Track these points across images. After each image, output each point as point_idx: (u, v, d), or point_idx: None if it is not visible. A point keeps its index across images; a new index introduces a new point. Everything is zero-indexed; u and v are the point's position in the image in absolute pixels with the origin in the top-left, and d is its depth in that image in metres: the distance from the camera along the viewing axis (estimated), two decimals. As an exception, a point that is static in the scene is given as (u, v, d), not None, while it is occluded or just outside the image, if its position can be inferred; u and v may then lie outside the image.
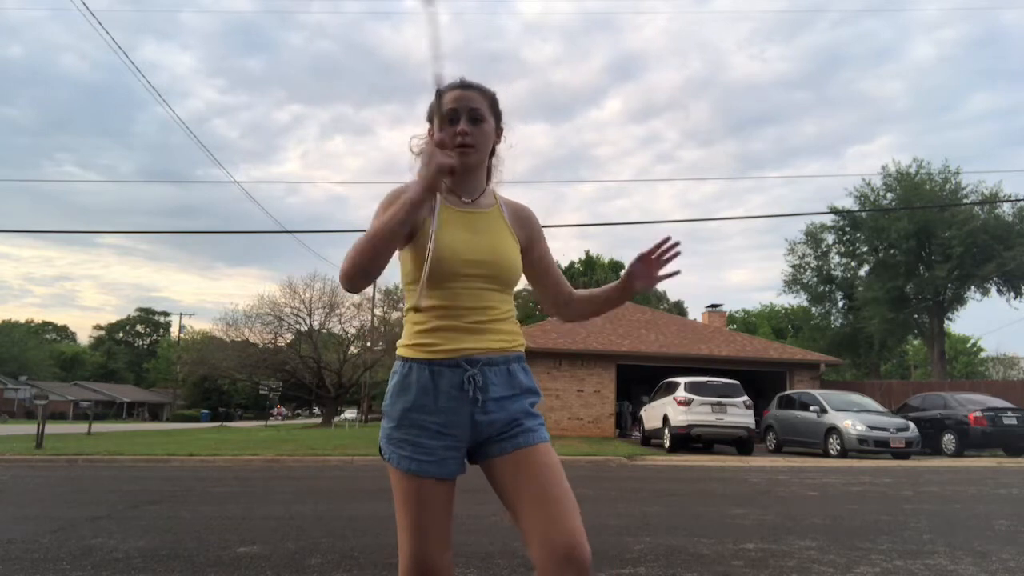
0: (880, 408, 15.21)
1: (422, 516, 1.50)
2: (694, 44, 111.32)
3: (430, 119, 1.59)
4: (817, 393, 16.06)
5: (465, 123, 1.54)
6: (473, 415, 1.51)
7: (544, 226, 1.75)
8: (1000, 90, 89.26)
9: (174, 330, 76.54)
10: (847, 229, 34.39)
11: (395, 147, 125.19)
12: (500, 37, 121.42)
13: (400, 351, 1.58)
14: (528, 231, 1.68)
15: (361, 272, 1.42)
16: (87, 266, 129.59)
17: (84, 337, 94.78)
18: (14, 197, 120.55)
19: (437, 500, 1.51)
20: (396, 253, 1.51)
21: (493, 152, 1.66)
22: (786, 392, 17.74)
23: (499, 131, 1.64)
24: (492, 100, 1.62)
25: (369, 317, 37.53)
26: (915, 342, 46.36)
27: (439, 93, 1.50)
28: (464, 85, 1.59)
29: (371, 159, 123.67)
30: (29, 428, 22.40)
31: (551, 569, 1.37)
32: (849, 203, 34.50)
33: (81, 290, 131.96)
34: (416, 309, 1.55)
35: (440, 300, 1.52)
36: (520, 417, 1.54)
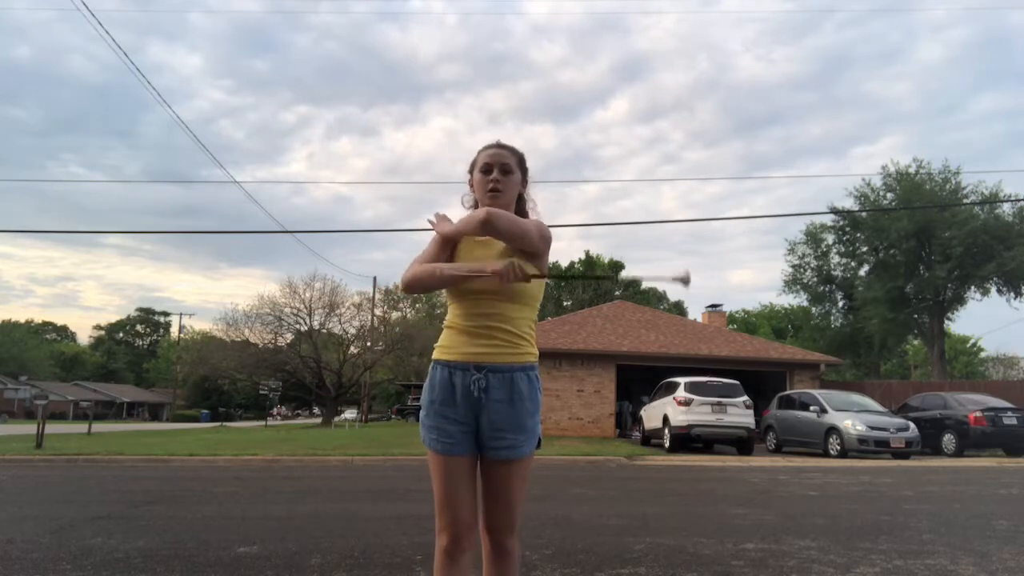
0: (880, 408, 15.20)
1: (450, 486, 1.90)
2: (701, 45, 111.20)
3: (471, 171, 2.10)
4: (817, 393, 16.06)
5: (497, 174, 2.02)
6: (479, 411, 1.90)
7: (547, 226, 2.05)
8: (1007, 91, 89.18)
9: (174, 330, 76.65)
10: (847, 229, 34.37)
11: (400, 147, 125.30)
12: (507, 38, 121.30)
13: (434, 355, 2.00)
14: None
15: (421, 288, 1.94)
16: (90, 266, 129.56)
17: (84, 337, 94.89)
18: (18, 197, 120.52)
19: (461, 472, 1.91)
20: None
21: (521, 197, 2.13)
22: (786, 392, 17.74)
23: (524, 181, 2.12)
24: (520, 158, 2.10)
25: (369, 317, 37.54)
26: (915, 342, 46.32)
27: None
28: (499, 146, 2.08)
29: (377, 159, 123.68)
30: (29, 428, 22.40)
31: (490, 547, 1.96)
32: (849, 203, 34.54)
33: (83, 290, 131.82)
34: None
35: (459, 309, 1.96)
36: (510, 431, 1.91)
